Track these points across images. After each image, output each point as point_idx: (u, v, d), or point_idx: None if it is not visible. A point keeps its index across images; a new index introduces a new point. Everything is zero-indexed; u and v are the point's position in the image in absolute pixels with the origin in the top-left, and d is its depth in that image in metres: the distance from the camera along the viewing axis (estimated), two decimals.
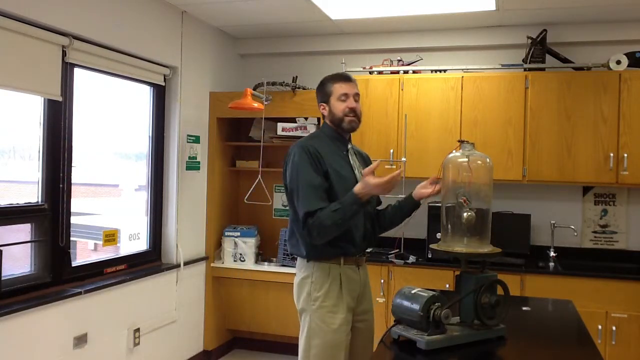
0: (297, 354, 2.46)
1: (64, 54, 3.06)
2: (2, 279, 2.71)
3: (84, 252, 3.59)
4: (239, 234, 4.41)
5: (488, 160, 2.20)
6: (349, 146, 2.55)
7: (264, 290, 4.35)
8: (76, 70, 3.20)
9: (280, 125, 4.31)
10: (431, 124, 4.04)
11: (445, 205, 2.18)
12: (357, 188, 2.23)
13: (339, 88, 2.48)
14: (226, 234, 4.43)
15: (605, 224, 4.12)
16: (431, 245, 2.20)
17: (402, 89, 4.10)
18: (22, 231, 2.97)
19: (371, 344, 2.54)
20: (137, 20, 3.57)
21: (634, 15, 3.85)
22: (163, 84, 3.97)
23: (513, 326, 2.12)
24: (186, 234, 4.13)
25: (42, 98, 3.01)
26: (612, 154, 3.72)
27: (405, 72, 4.15)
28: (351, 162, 2.51)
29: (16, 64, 2.77)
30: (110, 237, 3.51)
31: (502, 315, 2.03)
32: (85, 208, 3.60)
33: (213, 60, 4.49)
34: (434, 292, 1.94)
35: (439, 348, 1.87)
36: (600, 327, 3.51)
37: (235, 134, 4.74)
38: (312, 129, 4.15)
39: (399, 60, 4.22)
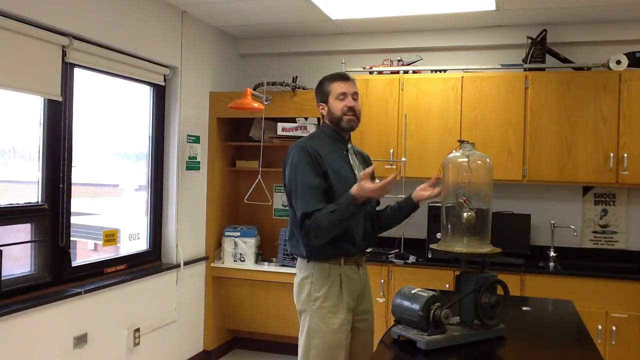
0: (297, 354, 2.46)
1: (64, 54, 3.06)
2: (2, 279, 2.71)
3: (84, 252, 3.59)
4: (239, 234, 4.41)
5: (488, 160, 2.20)
6: (349, 146, 2.55)
7: (264, 290, 4.35)
8: (76, 70, 3.20)
9: (280, 125, 4.31)
10: (431, 124, 4.04)
11: (445, 205, 2.18)
12: (354, 190, 2.23)
13: (337, 87, 2.48)
14: (226, 234, 4.43)
15: (605, 224, 4.12)
16: (431, 245, 2.20)
17: (402, 89, 4.10)
18: (22, 231, 2.97)
19: (371, 344, 2.54)
20: (137, 20, 3.57)
21: (634, 15, 3.85)
22: (163, 84, 3.97)
23: (513, 326, 2.12)
24: (186, 234, 4.13)
25: (42, 98, 3.01)
26: (612, 154, 3.72)
27: (405, 72, 4.15)
28: (351, 161, 2.51)
29: (16, 64, 2.77)
30: (110, 237, 3.51)
31: (502, 315, 2.03)
32: (85, 208, 3.60)
33: (213, 60, 4.50)
34: (434, 292, 1.94)
35: (439, 348, 1.87)
36: (600, 327, 3.51)
37: (235, 134, 4.74)
38: (312, 129, 4.15)
39: (399, 60, 4.22)
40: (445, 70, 4.14)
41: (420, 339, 1.87)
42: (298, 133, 4.22)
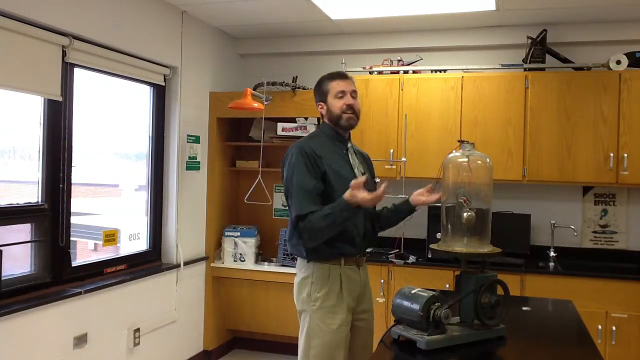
0: (297, 354, 2.46)
1: (64, 54, 3.06)
2: (2, 279, 2.71)
3: (84, 252, 3.59)
4: (239, 234, 4.41)
5: (488, 160, 2.20)
6: (349, 145, 2.55)
7: (264, 290, 4.35)
8: (76, 70, 3.20)
9: (280, 125, 4.31)
10: (431, 124, 4.04)
11: (445, 205, 2.18)
12: (347, 196, 2.21)
13: (335, 86, 2.48)
14: (226, 234, 4.43)
15: (605, 224, 4.12)
16: (431, 245, 2.20)
17: (402, 89, 4.10)
18: (22, 231, 2.97)
19: (371, 343, 2.54)
20: (137, 20, 3.57)
21: (634, 15, 3.85)
22: (163, 84, 3.97)
23: (513, 326, 2.12)
24: (186, 234, 4.13)
25: (42, 98, 3.01)
26: (612, 154, 3.72)
27: (405, 72, 4.15)
28: (351, 161, 2.51)
29: (16, 64, 2.77)
30: (110, 237, 3.51)
31: (502, 315, 2.03)
32: (85, 208, 3.60)
33: (213, 60, 4.50)
34: (434, 292, 1.94)
35: (439, 348, 1.87)
36: (600, 327, 3.51)
37: (235, 134, 4.74)
38: (312, 129, 4.15)
39: (399, 60, 4.22)
40: (445, 70, 4.14)
41: (420, 339, 1.87)
42: (298, 133, 4.22)
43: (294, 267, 2.61)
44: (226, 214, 4.65)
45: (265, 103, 4.14)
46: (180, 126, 4.04)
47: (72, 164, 3.19)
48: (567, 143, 3.81)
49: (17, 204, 2.92)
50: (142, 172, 3.97)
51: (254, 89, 4.20)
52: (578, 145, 3.79)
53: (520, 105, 3.88)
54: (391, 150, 4.09)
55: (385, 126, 4.12)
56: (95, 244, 3.64)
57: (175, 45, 3.98)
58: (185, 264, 4.07)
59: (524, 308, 2.51)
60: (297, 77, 4.34)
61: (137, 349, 3.58)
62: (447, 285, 3.74)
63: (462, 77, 4.00)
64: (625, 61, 3.77)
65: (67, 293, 3.03)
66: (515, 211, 4.09)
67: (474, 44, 4.29)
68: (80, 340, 3.12)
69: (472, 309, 1.99)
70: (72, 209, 3.20)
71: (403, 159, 3.97)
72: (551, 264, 3.89)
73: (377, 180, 2.76)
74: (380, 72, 4.22)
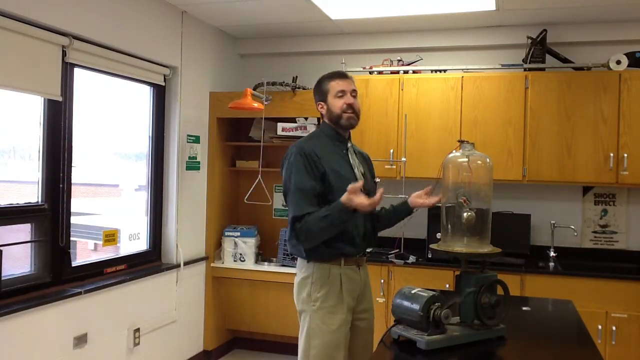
0: (297, 354, 2.46)
1: (64, 54, 3.06)
2: (2, 279, 2.71)
3: (84, 252, 3.59)
4: (239, 234, 4.41)
5: (488, 160, 2.20)
6: (349, 145, 2.55)
7: (264, 290, 4.35)
8: (76, 70, 3.20)
9: (280, 125, 4.31)
10: (431, 124, 4.04)
11: (445, 205, 2.18)
12: (344, 199, 2.21)
13: (335, 85, 2.48)
14: (226, 234, 4.43)
15: (605, 224, 4.12)
16: (431, 245, 2.20)
17: (402, 89, 4.10)
18: (22, 231, 2.97)
19: (371, 342, 2.54)
20: (137, 20, 3.57)
21: (634, 15, 3.85)
22: (163, 84, 3.97)
23: (513, 326, 2.12)
24: (186, 234, 4.13)
25: (42, 98, 3.01)
26: (612, 154, 3.72)
27: (405, 72, 4.15)
28: (351, 161, 2.51)
29: (16, 64, 2.77)
30: (110, 237, 3.51)
31: (502, 315, 2.03)
32: (85, 208, 3.60)
33: (213, 60, 4.49)
34: (434, 292, 1.94)
35: (439, 348, 1.87)
36: (600, 327, 3.51)
37: (235, 134, 4.74)
38: (312, 129, 4.15)
39: (399, 60, 4.22)
40: (445, 70, 4.14)
41: (420, 339, 1.87)
42: (298, 133, 4.22)
43: (294, 267, 2.61)
44: (226, 214, 4.65)
45: (265, 103, 4.14)
46: (180, 126, 4.04)
47: (72, 164, 3.19)
48: (567, 143, 3.80)
49: (17, 204, 2.92)
50: (142, 172, 3.97)
51: (254, 89, 4.20)
52: (578, 145, 3.79)
53: (520, 105, 3.88)
54: (391, 150, 4.09)
55: (385, 126, 4.12)
56: (95, 244, 3.64)
57: (175, 45, 3.98)
58: (185, 264, 4.07)
59: (524, 308, 2.51)
60: (297, 77, 4.34)
61: (137, 349, 3.58)
62: (447, 285, 3.74)
63: (462, 77, 4.00)
64: (625, 61, 3.77)
65: (67, 293, 3.03)
66: (515, 211, 4.09)
67: (474, 44, 4.29)
68: (80, 340, 3.12)
69: (472, 309, 1.99)
70: (72, 209, 3.20)
71: (403, 159, 3.97)
72: (551, 264, 3.89)
73: (377, 180, 2.76)
74: (380, 72, 4.22)
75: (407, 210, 2.58)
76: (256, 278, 4.34)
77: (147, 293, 3.69)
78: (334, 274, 2.38)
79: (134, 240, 3.84)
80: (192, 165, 4.18)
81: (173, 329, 3.98)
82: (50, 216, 3.06)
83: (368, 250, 2.57)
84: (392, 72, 4.18)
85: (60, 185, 3.11)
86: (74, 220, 3.21)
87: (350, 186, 2.18)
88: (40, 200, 3.05)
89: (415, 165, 3.99)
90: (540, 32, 3.90)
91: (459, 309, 2.06)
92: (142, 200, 3.99)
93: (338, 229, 2.29)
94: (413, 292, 1.97)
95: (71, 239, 3.19)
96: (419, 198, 2.53)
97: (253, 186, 4.14)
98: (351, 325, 2.43)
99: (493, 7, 3.75)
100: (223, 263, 4.42)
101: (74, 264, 3.22)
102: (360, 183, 2.21)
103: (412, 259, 3.87)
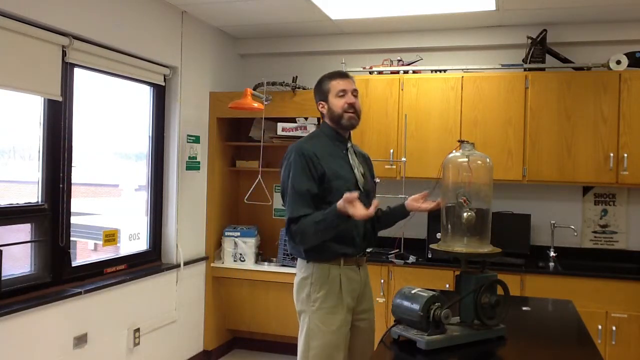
0: (297, 354, 2.46)
1: (64, 54, 3.06)
2: (2, 279, 2.71)
3: (84, 252, 3.59)
4: (239, 234, 4.41)
5: (488, 160, 2.20)
6: (349, 145, 2.54)
7: (264, 290, 4.35)
8: (76, 70, 3.20)
9: (280, 125, 4.31)
10: (431, 124, 4.04)
11: (445, 205, 2.18)
12: (339, 205, 2.19)
13: (336, 85, 2.48)
14: (226, 234, 4.43)
15: (605, 224, 4.12)
16: (431, 245, 2.20)
17: (402, 89, 4.10)
18: (22, 231, 2.97)
19: (371, 343, 2.53)
20: (137, 20, 3.57)
21: (634, 15, 3.85)
22: (163, 84, 3.97)
23: (513, 326, 2.12)
24: (186, 234, 4.13)
25: (42, 98, 3.01)
26: (612, 154, 3.72)
27: (405, 72, 4.15)
28: (350, 161, 2.50)
29: (16, 64, 2.77)
30: (110, 237, 3.51)
31: (502, 315, 2.03)
32: (85, 208, 3.60)
33: (213, 60, 4.49)
34: (434, 292, 1.94)
35: (439, 348, 1.87)
36: (600, 327, 3.50)
37: (235, 134, 4.74)
38: (312, 129, 4.15)
39: (399, 60, 4.22)
40: (445, 70, 4.13)
41: (420, 339, 1.87)
42: (298, 133, 4.22)
43: (294, 267, 2.61)
44: (226, 214, 4.65)
45: (265, 103, 4.14)
46: (180, 126, 4.04)
47: (72, 164, 3.19)
48: (567, 143, 3.80)
49: (17, 204, 2.92)
50: (142, 172, 3.97)
51: (254, 89, 4.20)
52: (578, 145, 3.79)
53: (520, 105, 3.88)
54: (391, 150, 4.09)
55: (385, 126, 4.12)
56: (95, 244, 3.64)
57: (175, 45, 3.98)
58: (185, 264, 4.07)
59: (524, 308, 2.51)
60: (297, 77, 4.34)
61: (137, 349, 3.58)
62: (447, 285, 3.74)
63: (462, 77, 4.00)
64: (625, 61, 3.77)
65: (67, 293, 3.03)
66: (515, 211, 4.09)
67: (474, 44, 4.29)
68: (80, 340, 3.12)
69: (472, 309, 1.99)
70: (72, 209, 3.20)
71: (403, 159, 3.97)
72: (551, 264, 3.89)
73: (377, 180, 2.75)
74: (380, 72, 4.22)
75: (403, 213, 2.57)
76: (256, 278, 4.34)
77: (147, 293, 3.69)
78: (333, 274, 2.38)
79: (134, 240, 3.84)
80: (192, 165, 4.18)
81: (173, 329, 3.98)
82: (50, 216, 3.06)
83: (368, 250, 2.57)
84: (392, 72, 4.18)
85: (60, 185, 3.11)
86: (74, 220, 3.21)
87: (346, 195, 2.15)
88: (40, 200, 3.05)
89: (415, 165, 3.99)
90: (540, 32, 3.90)
91: (459, 309, 2.06)
92: (142, 200, 3.99)
93: (333, 232, 2.28)
94: (413, 292, 1.97)
95: (71, 239, 3.19)
96: (415, 202, 2.52)
97: (253, 186, 4.14)
98: (351, 325, 2.43)
99: (493, 7, 3.75)
100: (223, 263, 4.42)
101: (74, 264, 3.22)
102: (356, 194, 2.16)
103: (412, 259, 3.87)
